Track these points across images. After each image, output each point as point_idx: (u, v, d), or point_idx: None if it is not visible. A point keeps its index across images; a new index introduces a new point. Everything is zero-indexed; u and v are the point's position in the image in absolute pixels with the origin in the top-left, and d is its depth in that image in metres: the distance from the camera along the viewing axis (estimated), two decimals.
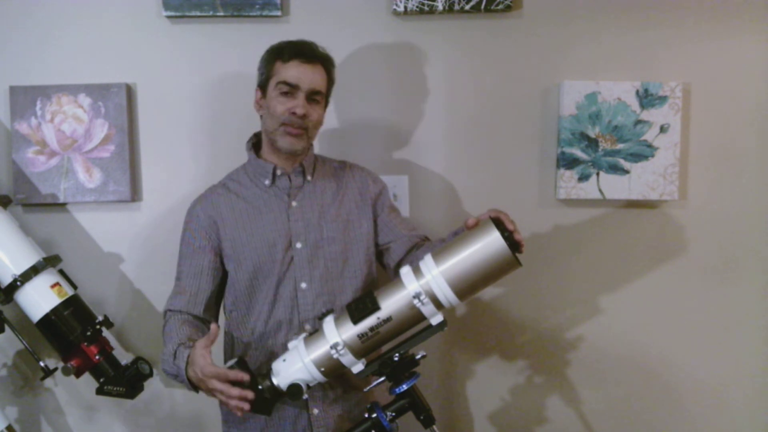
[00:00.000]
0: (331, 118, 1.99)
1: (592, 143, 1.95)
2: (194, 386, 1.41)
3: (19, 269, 1.70)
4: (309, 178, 1.63)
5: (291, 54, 1.54)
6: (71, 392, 2.05)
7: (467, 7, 1.91)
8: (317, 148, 1.95)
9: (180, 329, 1.50)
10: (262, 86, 1.59)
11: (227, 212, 1.60)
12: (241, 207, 1.60)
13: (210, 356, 1.33)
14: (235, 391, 1.30)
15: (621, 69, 1.96)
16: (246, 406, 1.32)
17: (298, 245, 1.57)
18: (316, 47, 1.58)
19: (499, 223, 1.32)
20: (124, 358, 1.84)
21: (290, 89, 1.53)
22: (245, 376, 1.32)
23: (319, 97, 1.57)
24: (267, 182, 1.61)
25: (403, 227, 1.69)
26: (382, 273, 1.72)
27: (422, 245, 1.66)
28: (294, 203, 1.60)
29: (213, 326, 1.38)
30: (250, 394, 1.31)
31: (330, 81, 1.61)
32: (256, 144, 1.67)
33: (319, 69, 1.56)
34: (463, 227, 1.43)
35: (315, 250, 1.58)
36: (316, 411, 1.57)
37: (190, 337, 1.47)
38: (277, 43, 1.60)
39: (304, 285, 1.56)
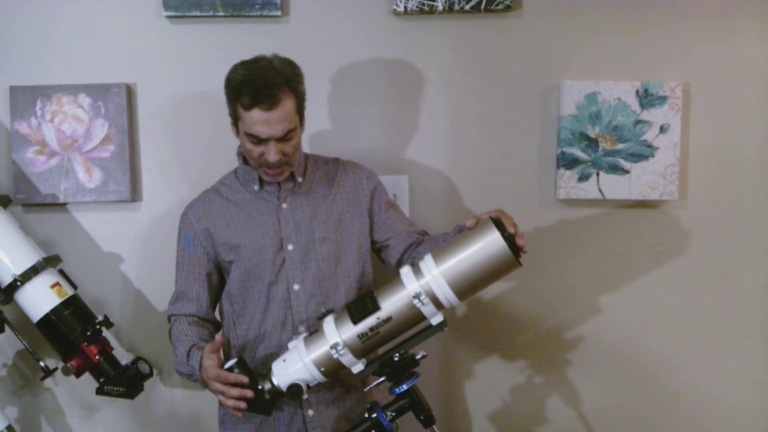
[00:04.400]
0: (331, 119, 1.99)
1: (592, 143, 1.95)
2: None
3: (19, 269, 1.70)
4: (300, 179, 1.61)
5: (251, 100, 1.42)
6: (71, 392, 2.05)
7: (467, 7, 1.91)
8: (316, 148, 1.95)
9: (190, 330, 1.56)
10: (233, 119, 1.51)
11: (219, 218, 1.61)
12: (232, 212, 1.61)
13: (216, 359, 1.41)
14: (235, 391, 1.36)
15: (621, 69, 1.96)
16: (243, 405, 1.36)
17: (290, 247, 1.57)
18: (274, 75, 1.44)
19: (499, 223, 1.32)
20: (124, 358, 1.84)
21: (259, 140, 1.46)
22: (244, 379, 1.36)
23: (291, 134, 1.48)
24: (256, 187, 1.60)
25: (402, 223, 1.68)
26: (380, 272, 1.72)
27: (422, 241, 1.65)
28: (284, 205, 1.59)
29: (218, 336, 1.45)
30: (249, 393, 1.36)
31: (299, 100, 1.49)
32: None
33: (283, 107, 1.43)
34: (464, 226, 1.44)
35: (307, 251, 1.57)
36: (311, 412, 1.57)
37: (201, 337, 1.55)
38: (233, 72, 1.48)
39: (296, 286, 1.56)
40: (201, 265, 1.62)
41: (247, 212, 1.60)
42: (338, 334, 1.35)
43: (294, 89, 1.47)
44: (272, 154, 1.46)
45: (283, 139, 1.47)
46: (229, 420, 1.63)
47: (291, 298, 1.57)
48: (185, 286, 1.63)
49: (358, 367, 1.37)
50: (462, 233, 1.39)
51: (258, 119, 1.43)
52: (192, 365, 1.48)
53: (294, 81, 1.48)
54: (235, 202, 1.62)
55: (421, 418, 1.39)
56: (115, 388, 1.73)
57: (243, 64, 1.49)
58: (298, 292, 1.56)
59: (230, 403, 1.37)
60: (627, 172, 1.95)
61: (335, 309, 1.54)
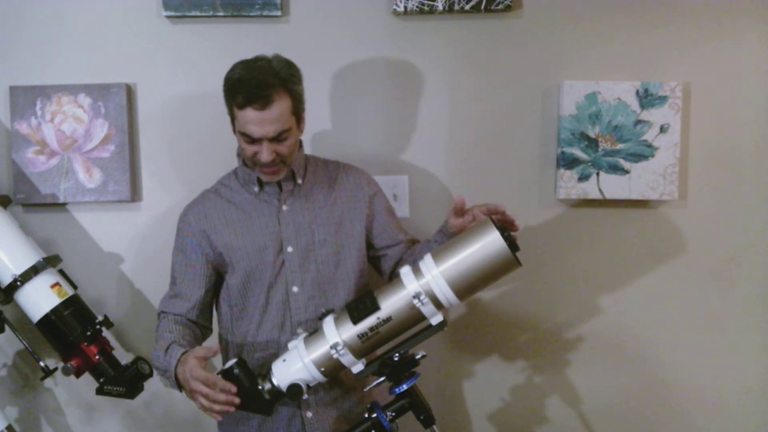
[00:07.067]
0: (331, 119, 1.99)
1: (592, 143, 1.95)
2: (179, 385, 1.44)
3: (19, 269, 1.70)
4: (300, 181, 1.61)
5: (244, 100, 1.41)
6: (71, 392, 2.05)
7: (467, 7, 1.91)
8: (316, 148, 1.95)
9: (175, 328, 1.55)
10: (231, 118, 1.51)
11: (218, 219, 1.60)
12: (232, 213, 1.60)
13: (203, 363, 1.38)
14: (222, 396, 1.33)
15: (621, 69, 1.96)
16: (231, 409, 1.34)
17: (289, 249, 1.57)
18: (269, 76, 1.43)
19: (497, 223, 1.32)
20: (124, 358, 1.84)
21: (253, 140, 1.46)
22: (233, 388, 1.34)
23: (285, 135, 1.46)
24: (256, 189, 1.60)
25: (400, 233, 1.70)
26: (375, 274, 1.72)
27: (414, 249, 1.67)
28: (285, 207, 1.59)
29: (215, 346, 1.42)
30: (236, 400, 1.34)
31: (295, 101, 1.47)
32: None
33: (277, 107, 1.42)
34: (445, 223, 1.53)
35: (306, 254, 1.57)
36: (309, 414, 1.57)
37: (183, 336, 1.52)
38: (230, 72, 1.47)
39: (295, 288, 1.56)
40: (198, 266, 1.61)
41: (247, 214, 1.59)
42: (338, 334, 1.35)
43: (290, 90, 1.46)
44: (265, 154, 1.46)
45: (277, 139, 1.46)
46: (227, 421, 1.61)
47: (290, 300, 1.56)
48: (180, 286, 1.62)
49: (358, 367, 1.37)
50: (462, 233, 1.40)
51: (250, 119, 1.42)
52: (169, 360, 1.45)
53: (290, 82, 1.46)
54: (234, 203, 1.61)
55: (421, 418, 1.39)
56: (115, 388, 1.73)
57: (241, 64, 1.48)
58: (297, 294, 1.56)
59: (216, 407, 1.33)
60: (627, 172, 1.95)
61: (335, 309, 1.54)
